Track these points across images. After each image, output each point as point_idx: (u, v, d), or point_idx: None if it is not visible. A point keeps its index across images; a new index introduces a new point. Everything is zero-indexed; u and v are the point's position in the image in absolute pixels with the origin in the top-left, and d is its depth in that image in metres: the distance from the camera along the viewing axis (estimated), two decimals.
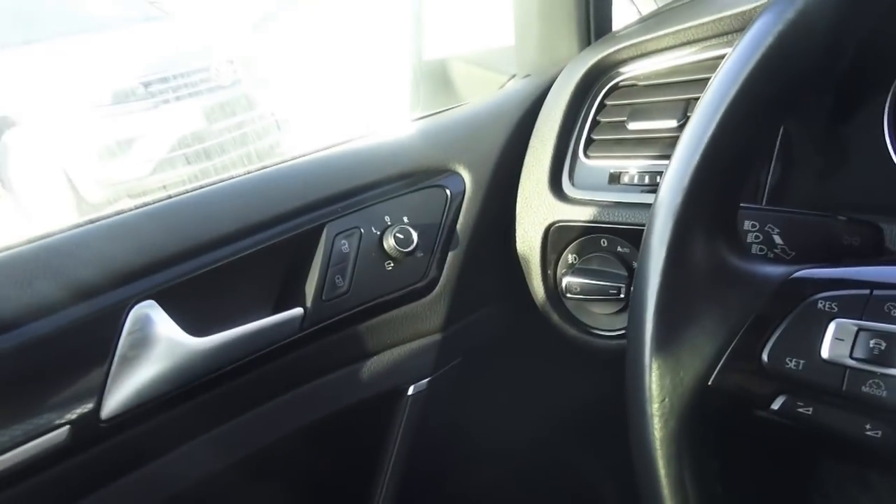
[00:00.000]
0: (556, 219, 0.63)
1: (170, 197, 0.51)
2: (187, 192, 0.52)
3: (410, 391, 0.59)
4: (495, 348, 0.66)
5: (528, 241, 0.64)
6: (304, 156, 0.60)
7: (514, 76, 0.79)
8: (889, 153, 0.48)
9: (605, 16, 0.72)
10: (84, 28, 5.02)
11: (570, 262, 0.63)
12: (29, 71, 4.17)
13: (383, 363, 0.56)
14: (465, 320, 0.63)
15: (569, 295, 0.61)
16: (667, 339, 0.33)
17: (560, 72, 0.67)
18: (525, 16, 0.72)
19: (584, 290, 0.61)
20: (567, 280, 0.62)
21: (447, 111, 0.70)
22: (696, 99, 0.58)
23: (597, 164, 0.63)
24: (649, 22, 0.65)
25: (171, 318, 0.46)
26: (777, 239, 0.42)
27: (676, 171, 0.34)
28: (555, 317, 0.64)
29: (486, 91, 0.80)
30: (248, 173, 0.56)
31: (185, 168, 4.35)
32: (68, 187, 4.12)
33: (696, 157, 0.33)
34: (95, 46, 4.60)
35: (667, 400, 0.33)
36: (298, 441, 0.55)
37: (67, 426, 0.43)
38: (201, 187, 0.53)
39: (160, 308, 0.46)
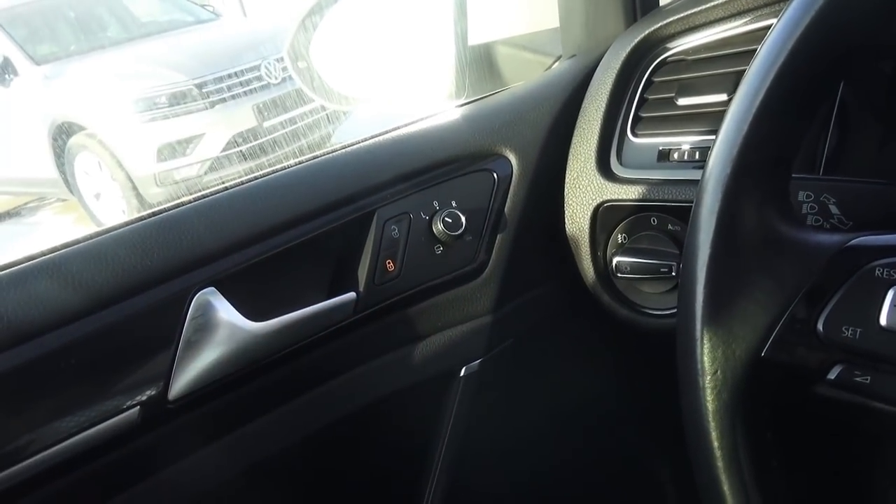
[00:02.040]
0: (605, 198, 0.62)
1: (226, 189, 0.53)
2: (242, 183, 0.54)
3: (462, 372, 0.60)
4: (546, 329, 0.66)
5: (576, 221, 0.64)
6: (353, 144, 0.61)
7: (559, 58, 0.78)
8: None
9: None
10: (142, 33, 5.20)
11: (620, 241, 0.62)
12: (93, 77, 4.35)
13: (435, 345, 0.56)
14: (516, 302, 0.63)
15: (619, 275, 0.61)
16: (718, 310, 0.33)
17: (606, 51, 0.66)
18: None
19: (635, 270, 0.61)
20: (617, 260, 0.62)
21: (493, 95, 0.70)
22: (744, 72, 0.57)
23: (645, 142, 0.62)
24: None
25: (232, 303, 0.48)
26: (833, 209, 0.41)
27: (725, 142, 0.34)
28: (605, 297, 0.63)
29: (533, 74, 0.79)
30: (300, 163, 0.57)
31: (241, 164, 4.46)
32: (130, 188, 4.28)
33: (745, 128, 0.33)
34: (153, 51, 4.76)
35: (719, 372, 0.33)
36: (354, 423, 0.57)
37: (138, 407, 0.45)
38: (255, 178, 0.54)
39: (220, 295, 0.48)
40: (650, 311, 0.61)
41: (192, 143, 4.24)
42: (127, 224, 0.51)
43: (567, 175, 0.64)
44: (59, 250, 0.48)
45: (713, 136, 0.58)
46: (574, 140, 0.64)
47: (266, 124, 4.47)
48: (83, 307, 0.45)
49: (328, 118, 4.80)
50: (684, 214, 0.61)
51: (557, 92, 0.67)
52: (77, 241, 0.49)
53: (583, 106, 0.65)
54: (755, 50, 0.57)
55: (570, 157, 0.64)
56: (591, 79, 0.66)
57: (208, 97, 4.26)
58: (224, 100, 4.32)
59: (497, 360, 0.62)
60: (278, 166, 0.58)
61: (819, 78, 0.34)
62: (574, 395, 0.69)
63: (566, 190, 0.64)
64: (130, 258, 0.48)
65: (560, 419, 0.70)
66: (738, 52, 0.59)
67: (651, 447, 0.73)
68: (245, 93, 4.41)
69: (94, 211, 4.60)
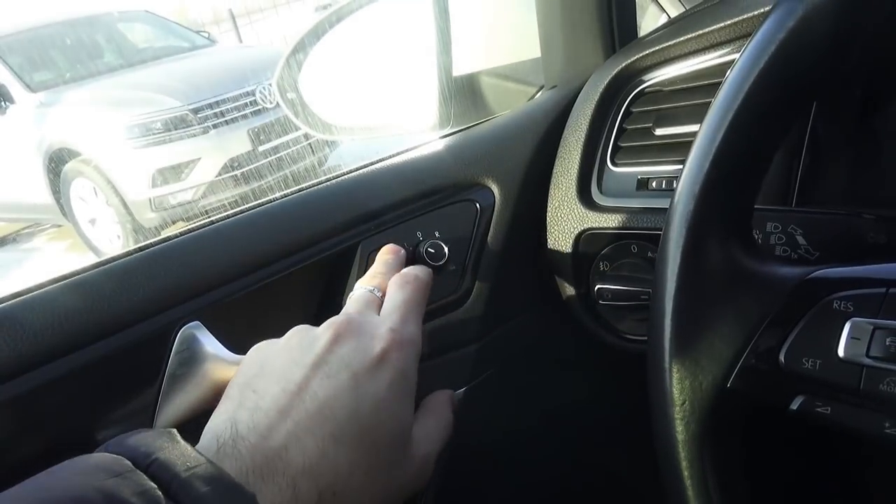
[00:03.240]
0: (586, 227, 0.64)
1: (211, 223, 0.54)
2: (226, 217, 0.55)
3: None
4: (531, 357, 0.67)
5: (559, 250, 0.65)
6: (337, 177, 0.62)
7: (542, 88, 0.80)
8: None
9: (630, 23, 0.72)
10: (139, 60, 5.25)
11: (602, 269, 0.63)
12: (88, 103, 4.38)
13: (419, 375, 0.57)
14: (500, 330, 0.64)
15: (601, 301, 0.62)
16: (685, 343, 0.34)
17: (586, 82, 0.68)
18: (550, 27, 0.73)
19: (617, 296, 0.62)
20: (599, 287, 0.63)
21: (476, 126, 0.71)
22: None
23: (625, 171, 0.64)
24: (673, 27, 0.65)
25: (216, 337, 0.49)
26: (801, 240, 0.42)
27: (688, 178, 0.35)
28: (589, 324, 0.64)
29: (518, 103, 0.81)
30: (284, 197, 0.58)
31: (237, 189, 4.49)
32: (125, 213, 4.29)
33: (707, 164, 0.34)
34: (150, 77, 4.80)
35: (687, 403, 0.34)
36: None
37: None
38: (239, 212, 0.55)
39: (205, 329, 0.49)
40: (633, 337, 0.62)
41: (187, 167, 4.26)
42: (113, 259, 0.52)
43: (549, 204, 0.65)
44: (44, 287, 0.48)
45: None
46: (555, 169, 0.66)
47: (261, 148, 4.50)
48: (68, 344, 0.46)
49: (323, 142, 4.84)
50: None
51: (539, 122, 0.68)
52: (63, 277, 0.50)
53: (563, 136, 0.66)
54: (721, 82, 0.59)
55: (552, 186, 0.66)
56: (571, 109, 0.67)
57: (204, 122, 4.29)
58: (219, 125, 4.35)
59: (482, 387, 0.63)
60: (262, 200, 0.59)
61: (780, 114, 0.35)
62: (560, 420, 0.70)
63: (548, 218, 0.65)
64: (116, 294, 0.49)
65: (547, 443, 0.71)
66: (713, 84, 0.60)
67: (641, 468, 0.73)
68: (240, 117, 4.45)
69: (89, 236, 4.61)
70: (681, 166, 0.60)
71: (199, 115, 4.30)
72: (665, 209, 0.60)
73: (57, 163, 4.50)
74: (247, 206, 0.57)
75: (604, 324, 0.63)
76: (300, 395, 0.35)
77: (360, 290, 0.47)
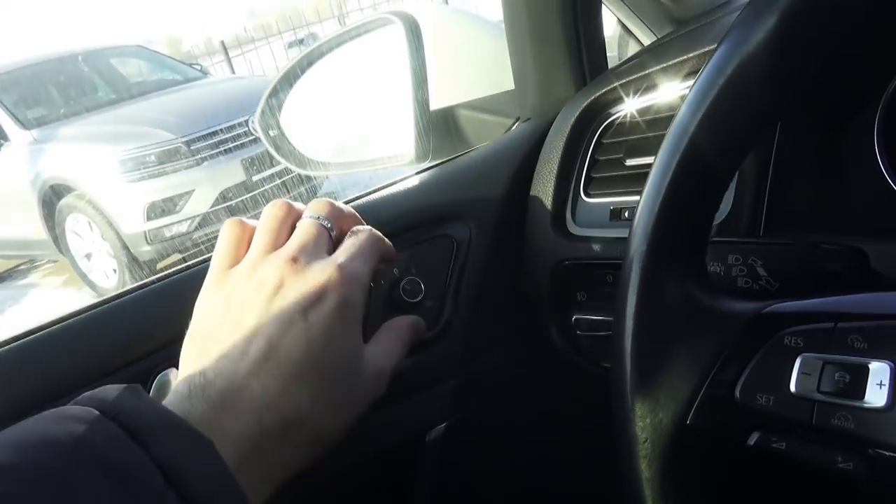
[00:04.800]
0: (562, 257, 0.64)
1: (188, 268, 0.55)
2: (199, 263, 0.55)
3: (428, 437, 0.60)
4: (512, 389, 0.67)
5: (536, 281, 0.65)
6: None
7: (517, 119, 0.81)
8: (880, 171, 0.48)
9: (600, 55, 0.74)
10: (132, 94, 5.29)
11: (579, 299, 0.64)
12: (83, 138, 4.41)
13: (398, 412, 0.57)
14: (480, 364, 0.64)
15: (580, 332, 0.63)
16: (644, 380, 0.34)
17: (558, 114, 0.69)
18: (522, 61, 0.74)
19: (595, 327, 0.62)
20: (576, 317, 0.63)
21: (451, 160, 0.72)
22: None
23: (598, 202, 0.64)
24: (641, 59, 0.67)
25: None
26: (761, 271, 0.42)
27: (642, 218, 0.36)
28: (568, 354, 0.65)
29: (494, 136, 0.82)
30: None
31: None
32: (120, 246, 4.30)
33: (658, 205, 0.35)
34: (143, 111, 4.84)
35: (648, 441, 0.34)
36: (322, 496, 0.57)
37: None
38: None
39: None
40: (607, 365, 0.62)
41: (181, 199, 4.28)
42: (91, 308, 0.52)
43: (525, 236, 0.66)
44: (22, 338, 0.49)
45: None
46: (530, 202, 0.67)
47: (255, 178, 4.52)
48: (46, 394, 0.46)
49: (301, 178, 4.87)
50: None
51: (512, 155, 0.69)
52: (42, 328, 0.50)
53: (537, 168, 0.67)
54: None
55: (528, 217, 0.66)
56: (541, 142, 0.68)
57: (197, 154, 4.32)
58: (213, 156, 4.38)
59: (465, 422, 0.63)
60: None
61: (726, 151, 0.36)
62: (545, 449, 0.70)
63: (525, 251, 0.66)
64: (94, 343, 0.49)
65: (533, 475, 0.71)
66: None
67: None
68: (233, 148, 4.48)
69: (85, 271, 4.62)
70: None
71: (192, 147, 4.33)
72: None
73: (52, 198, 4.52)
74: None
75: (584, 354, 0.63)
76: (255, 340, 0.39)
77: (309, 219, 0.47)
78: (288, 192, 4.70)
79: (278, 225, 0.47)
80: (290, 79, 0.92)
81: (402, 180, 0.69)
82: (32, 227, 4.67)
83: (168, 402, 0.37)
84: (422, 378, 0.60)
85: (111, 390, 0.33)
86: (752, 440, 0.32)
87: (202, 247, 4.70)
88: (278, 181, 4.61)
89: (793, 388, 0.31)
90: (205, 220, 4.40)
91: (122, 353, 0.50)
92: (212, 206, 4.41)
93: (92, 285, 4.61)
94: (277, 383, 0.38)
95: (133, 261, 4.36)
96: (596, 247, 0.63)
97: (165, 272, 0.55)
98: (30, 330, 0.50)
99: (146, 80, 5.83)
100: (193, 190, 4.33)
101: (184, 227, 4.35)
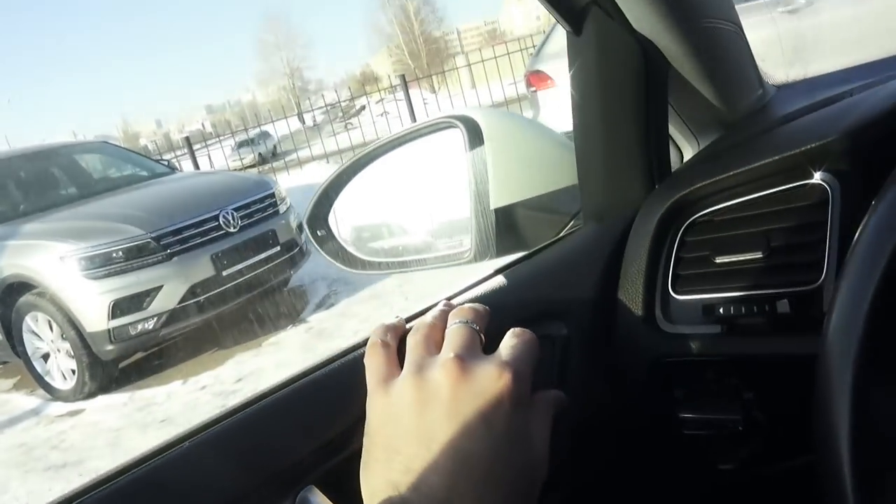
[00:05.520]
0: (657, 355, 0.65)
1: (300, 378, 0.53)
2: (307, 373, 0.54)
3: None
4: (609, 487, 0.66)
5: (633, 380, 0.65)
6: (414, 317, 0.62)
7: (575, 216, 0.83)
8: None
9: (665, 158, 0.77)
10: (97, 191, 5.23)
11: (680, 396, 0.64)
12: (47, 234, 4.29)
13: None
14: (578, 463, 0.63)
15: (686, 431, 0.62)
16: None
17: (632, 214, 0.71)
18: (590, 162, 0.77)
19: (699, 424, 0.62)
20: (679, 415, 0.63)
21: (527, 259, 0.73)
22: (776, 230, 0.62)
23: (688, 299, 0.66)
24: (714, 162, 0.70)
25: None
26: None
27: (841, 315, 0.36)
28: (669, 452, 0.64)
29: (548, 232, 0.84)
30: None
31: (198, 316, 4.39)
32: (81, 346, 4.12)
33: (865, 302, 0.35)
34: (110, 206, 4.77)
35: None
36: None
37: None
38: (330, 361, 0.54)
39: (318, 492, 0.47)
40: (721, 467, 0.62)
41: (149, 296, 4.17)
42: (211, 424, 0.49)
43: (618, 334, 0.66)
44: (138, 466, 0.46)
45: (753, 292, 0.62)
46: (619, 300, 0.67)
47: (225, 273, 4.45)
48: None
49: (290, 260, 4.83)
50: (737, 368, 0.63)
51: (594, 256, 0.70)
52: (162, 450, 0.47)
53: (623, 268, 0.68)
54: (779, 210, 0.63)
55: (618, 317, 0.67)
56: (622, 241, 0.70)
57: (166, 249, 4.25)
58: (182, 251, 4.31)
59: None
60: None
61: None
62: None
63: (618, 349, 0.66)
64: (220, 465, 0.47)
65: None
66: (764, 213, 0.64)
67: None
68: (203, 243, 4.43)
69: (41, 372, 4.39)
70: (746, 292, 0.63)
71: (161, 243, 4.26)
72: (736, 335, 0.62)
73: (10, 297, 4.34)
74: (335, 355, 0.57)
75: (688, 454, 0.63)
76: (444, 451, 0.39)
77: (459, 324, 0.46)
78: (262, 284, 4.64)
79: (431, 332, 0.46)
80: (342, 179, 0.93)
81: (488, 278, 0.69)
82: None
83: None
84: None
85: None
86: None
87: (166, 344, 4.55)
88: (249, 275, 4.55)
89: None
90: (172, 317, 4.28)
91: (245, 474, 0.47)
92: (179, 303, 4.30)
93: (48, 388, 4.38)
94: (472, 492, 0.38)
95: (94, 361, 4.18)
96: (693, 344, 0.63)
97: (280, 385, 0.53)
98: (146, 456, 0.47)
99: (111, 177, 5.78)
100: (161, 286, 4.23)
101: (150, 325, 4.22)
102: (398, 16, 47.51)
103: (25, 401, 4.51)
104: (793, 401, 0.60)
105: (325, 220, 0.95)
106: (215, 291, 4.44)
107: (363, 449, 0.42)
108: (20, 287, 4.30)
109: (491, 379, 0.41)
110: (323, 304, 4.93)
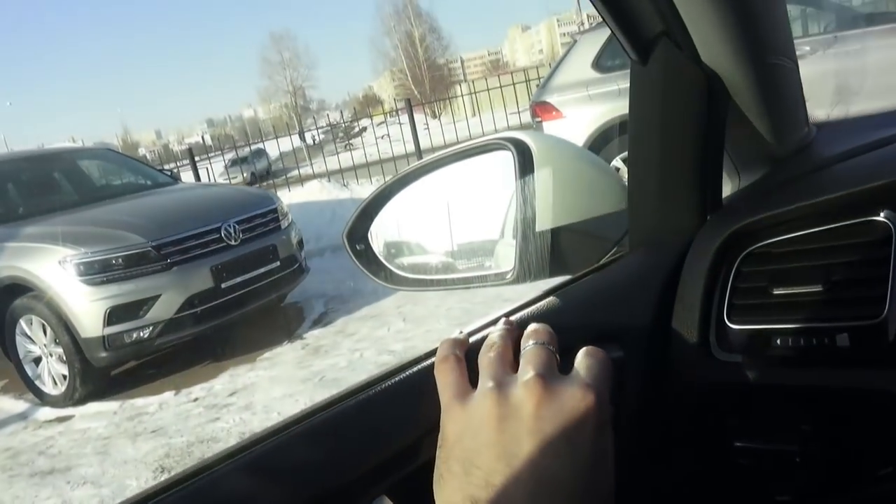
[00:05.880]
0: (711, 382, 0.65)
1: (361, 390, 0.53)
2: (367, 386, 0.53)
3: None
4: None
5: (687, 407, 0.65)
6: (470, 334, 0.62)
7: (619, 241, 0.84)
8: None
9: (718, 189, 0.78)
10: (97, 197, 5.21)
11: (735, 425, 0.64)
12: (46, 238, 4.26)
13: None
14: (633, 490, 0.62)
15: (742, 461, 0.62)
16: None
17: (686, 242, 0.72)
18: (642, 189, 0.77)
19: (754, 454, 0.62)
20: (734, 444, 0.63)
21: (576, 283, 0.73)
22: (837, 264, 0.63)
23: (744, 328, 0.66)
24: (768, 196, 0.71)
25: None
26: None
27: None
28: (723, 481, 0.64)
29: (592, 257, 0.84)
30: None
31: (195, 328, 4.35)
32: (74, 352, 4.08)
33: None
34: (111, 212, 4.75)
35: None
36: None
37: None
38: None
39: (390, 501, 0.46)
40: (778, 498, 0.61)
41: (146, 304, 4.14)
42: (275, 433, 0.49)
43: (673, 361, 0.66)
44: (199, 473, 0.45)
45: (811, 324, 0.63)
46: (674, 327, 0.67)
47: (224, 285, 4.43)
48: None
49: (290, 276, 4.82)
50: (793, 398, 0.64)
51: (648, 282, 0.71)
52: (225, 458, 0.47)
53: (678, 296, 0.68)
54: (839, 245, 0.64)
55: (673, 343, 0.67)
56: (676, 270, 0.70)
57: (166, 259, 4.23)
58: (182, 262, 4.29)
59: None
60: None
61: None
62: None
63: (672, 375, 0.66)
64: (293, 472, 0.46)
65: None
66: (823, 248, 0.65)
67: None
68: (203, 254, 4.41)
69: (31, 376, 4.33)
70: (804, 325, 0.63)
71: (162, 252, 4.24)
72: (792, 365, 0.63)
73: (6, 297, 4.30)
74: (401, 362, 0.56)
75: (745, 484, 0.62)
76: (526, 468, 0.39)
77: (535, 344, 0.46)
78: (260, 298, 4.62)
79: (504, 351, 0.47)
80: (384, 195, 0.93)
81: (540, 299, 0.69)
82: None
83: None
84: None
85: None
86: None
87: (160, 353, 4.51)
88: (248, 288, 4.53)
89: None
90: (168, 327, 4.25)
91: (316, 482, 0.47)
92: (176, 313, 4.27)
93: (38, 392, 4.32)
94: None
95: (87, 367, 4.13)
96: (748, 372, 0.63)
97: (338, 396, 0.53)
98: (208, 464, 0.46)
99: (113, 184, 5.77)
100: (159, 295, 4.20)
101: (145, 333, 4.19)
102: (403, 41, 48.08)
103: (13, 404, 4.45)
104: (852, 433, 0.60)
105: (365, 235, 0.95)
106: (213, 303, 4.42)
107: (437, 461, 0.42)
108: (16, 289, 4.26)
109: (575, 399, 0.41)
110: (320, 322, 4.91)
